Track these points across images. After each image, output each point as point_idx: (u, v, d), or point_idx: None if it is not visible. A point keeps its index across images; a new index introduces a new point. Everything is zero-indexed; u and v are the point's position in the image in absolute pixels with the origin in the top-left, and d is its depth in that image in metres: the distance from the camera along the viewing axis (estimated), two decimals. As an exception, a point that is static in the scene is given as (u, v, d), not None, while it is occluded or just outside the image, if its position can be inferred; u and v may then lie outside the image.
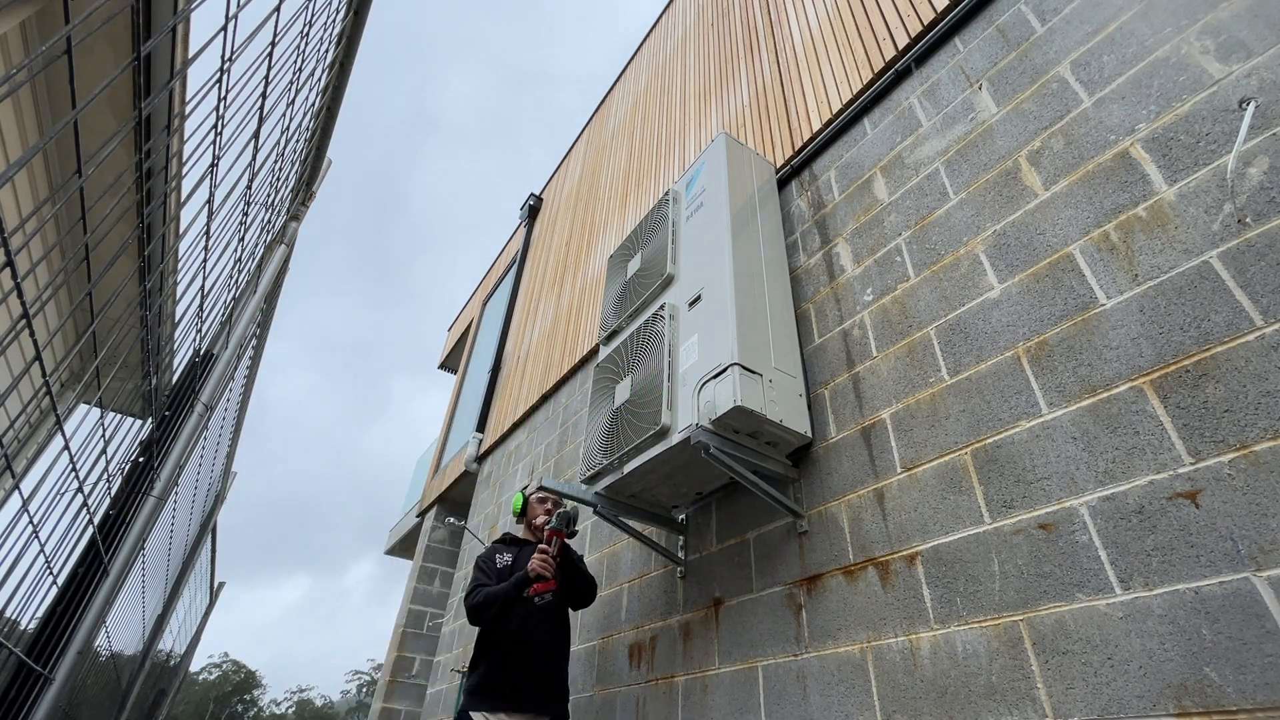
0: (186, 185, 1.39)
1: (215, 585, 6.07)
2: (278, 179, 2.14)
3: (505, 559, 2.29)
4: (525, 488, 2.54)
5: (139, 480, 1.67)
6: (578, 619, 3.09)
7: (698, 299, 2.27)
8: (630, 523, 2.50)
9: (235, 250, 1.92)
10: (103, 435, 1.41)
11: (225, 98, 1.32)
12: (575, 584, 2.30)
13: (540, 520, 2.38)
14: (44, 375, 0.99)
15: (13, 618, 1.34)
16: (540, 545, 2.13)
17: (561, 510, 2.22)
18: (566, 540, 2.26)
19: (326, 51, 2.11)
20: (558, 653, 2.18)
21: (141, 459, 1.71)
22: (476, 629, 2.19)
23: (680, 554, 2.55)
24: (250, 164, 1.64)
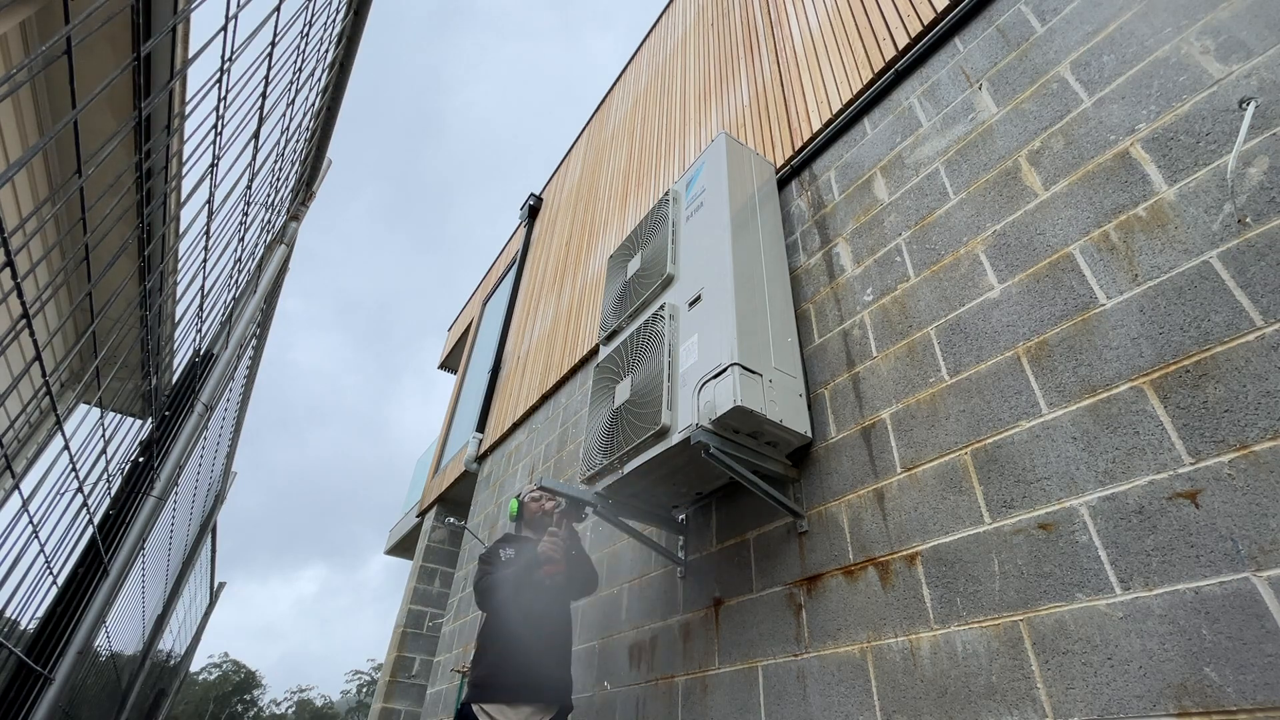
0: (186, 185, 1.39)
1: (215, 585, 6.07)
2: (278, 179, 2.14)
3: (509, 552, 2.32)
4: (520, 493, 2.57)
5: (139, 480, 1.67)
6: (577, 618, 3.08)
7: (698, 299, 2.27)
8: (630, 523, 2.50)
9: (235, 250, 1.92)
10: (103, 435, 1.41)
11: (225, 98, 1.32)
12: (579, 572, 2.35)
13: (550, 505, 2.45)
14: (44, 375, 0.99)
15: (13, 618, 1.35)
16: (550, 529, 2.17)
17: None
18: (575, 525, 2.31)
19: (326, 51, 2.11)
20: (562, 645, 2.20)
21: (141, 459, 1.70)
22: (477, 629, 2.20)
23: (680, 554, 2.54)
24: (250, 164, 1.63)
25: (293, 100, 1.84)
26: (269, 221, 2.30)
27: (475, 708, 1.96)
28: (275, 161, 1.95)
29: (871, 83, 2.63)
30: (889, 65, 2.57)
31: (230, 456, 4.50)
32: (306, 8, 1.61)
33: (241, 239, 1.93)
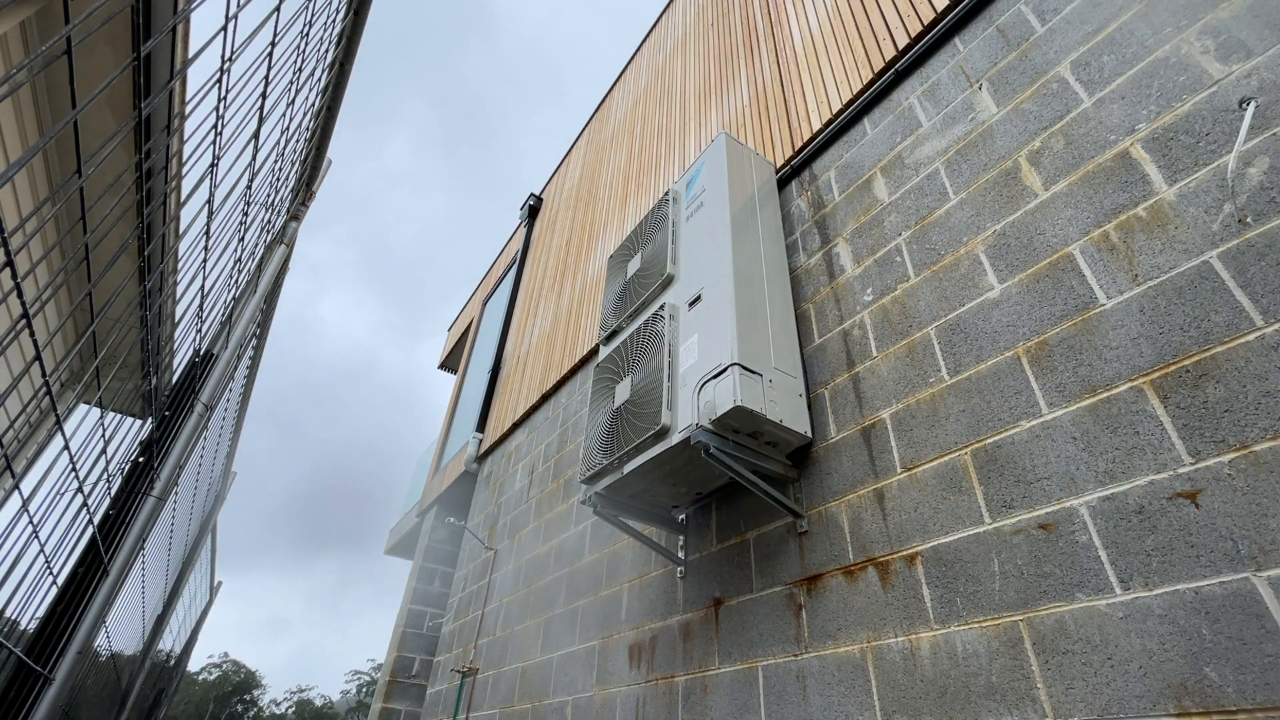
0: (186, 185, 1.39)
1: (215, 584, 6.07)
2: (278, 179, 2.14)
3: None
4: None
5: (139, 480, 1.67)
6: (576, 618, 3.09)
7: (698, 299, 2.27)
8: (630, 523, 2.50)
9: (235, 250, 1.92)
10: (103, 435, 1.41)
11: (225, 98, 1.32)
12: None
13: None
14: (44, 375, 0.99)
15: (13, 618, 1.34)
16: None
17: None
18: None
19: (326, 51, 2.11)
20: None
21: (141, 459, 1.70)
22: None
23: (680, 554, 2.54)
24: (250, 164, 1.63)
25: (293, 100, 1.84)
26: (269, 221, 2.30)
27: None
28: (275, 161, 1.95)
29: (871, 83, 2.63)
30: (889, 65, 2.57)
31: (230, 456, 4.50)
32: (306, 8, 1.61)
33: (241, 239, 1.93)
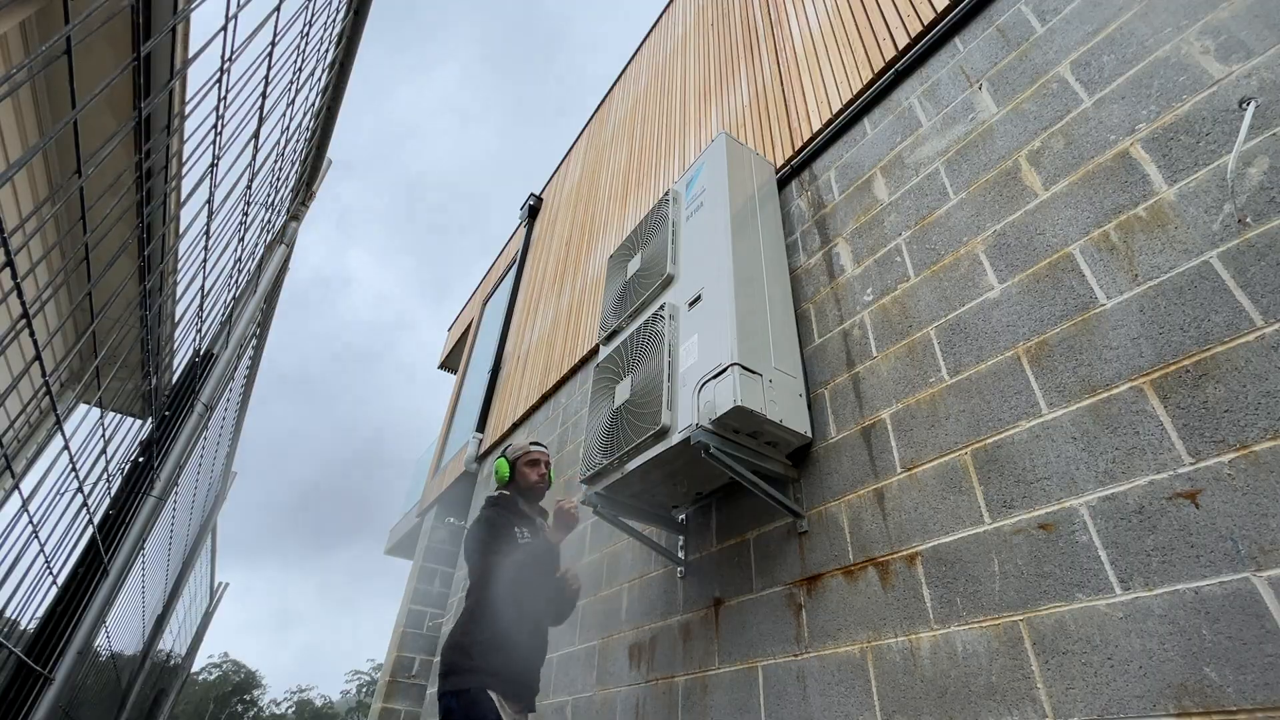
0: (186, 185, 1.39)
1: (215, 585, 6.07)
2: (278, 179, 2.14)
3: (524, 535, 2.13)
4: (507, 451, 2.35)
5: (139, 480, 1.67)
6: (576, 618, 3.09)
7: (698, 299, 2.27)
8: (630, 523, 2.50)
9: (235, 250, 1.92)
10: (103, 435, 1.41)
11: (225, 98, 1.32)
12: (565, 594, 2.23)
13: (534, 479, 2.29)
14: (44, 375, 0.99)
15: (13, 618, 1.35)
16: (565, 505, 2.10)
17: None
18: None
19: (326, 51, 2.11)
20: (545, 648, 2.17)
21: (141, 459, 1.70)
22: (471, 595, 2.02)
23: (680, 554, 2.54)
24: (250, 164, 1.63)
25: (293, 100, 1.84)
26: (269, 221, 2.30)
27: (493, 695, 1.84)
28: (275, 161, 1.95)
29: (871, 83, 2.63)
30: (889, 65, 2.57)
31: (231, 456, 4.50)
32: (306, 8, 1.61)
33: (241, 239, 1.93)
